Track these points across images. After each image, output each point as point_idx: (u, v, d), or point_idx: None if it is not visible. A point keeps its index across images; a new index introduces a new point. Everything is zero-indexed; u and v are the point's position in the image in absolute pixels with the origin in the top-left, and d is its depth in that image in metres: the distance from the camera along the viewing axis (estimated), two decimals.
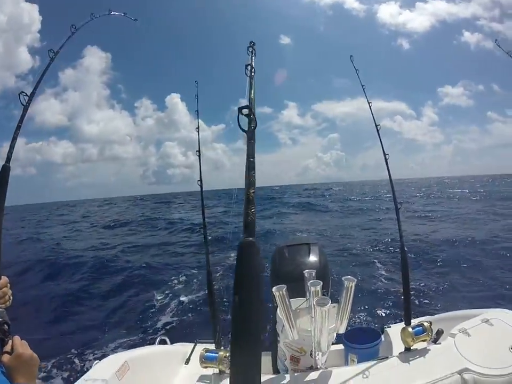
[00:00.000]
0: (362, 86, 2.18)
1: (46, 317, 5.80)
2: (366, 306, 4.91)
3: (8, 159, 1.42)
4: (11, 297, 1.20)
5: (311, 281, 1.40)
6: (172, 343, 2.24)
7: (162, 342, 2.24)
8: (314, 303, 1.25)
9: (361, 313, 4.75)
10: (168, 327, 5.06)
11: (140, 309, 5.89)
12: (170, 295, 6.34)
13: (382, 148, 1.96)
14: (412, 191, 32.06)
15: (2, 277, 1.19)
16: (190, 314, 5.35)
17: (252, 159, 0.93)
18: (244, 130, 0.99)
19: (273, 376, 1.45)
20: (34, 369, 1.04)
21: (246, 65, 1.27)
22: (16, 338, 1.05)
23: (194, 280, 6.99)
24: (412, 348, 1.51)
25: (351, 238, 10.29)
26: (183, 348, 1.87)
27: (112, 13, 2.65)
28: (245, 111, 1.02)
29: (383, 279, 6.12)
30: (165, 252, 10.38)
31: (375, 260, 7.32)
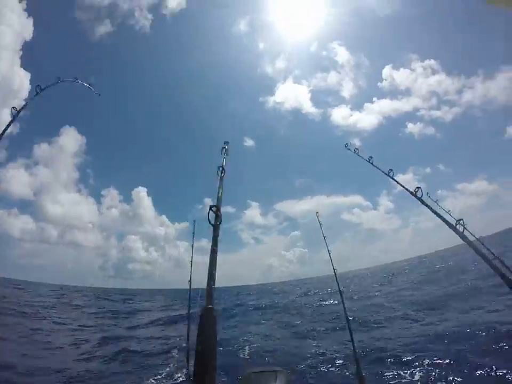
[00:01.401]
0: (324, 237, 2.59)
1: None
2: None
3: None
4: None
5: None
6: None
7: None
8: None
9: None
10: None
11: None
12: None
13: (329, 254, 2.33)
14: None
15: None
16: None
17: (215, 247, 1.16)
18: (212, 225, 1.20)
19: None
20: None
21: (219, 167, 1.48)
22: None
23: None
24: None
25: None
26: None
27: (79, 81, 2.79)
28: (214, 209, 1.24)
29: None
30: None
31: None
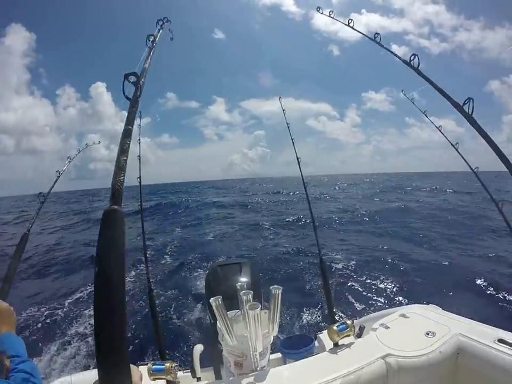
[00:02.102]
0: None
1: None
2: (300, 316, 5.34)
3: (28, 229, 2.10)
4: None
5: (243, 291, 1.51)
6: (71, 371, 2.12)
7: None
8: (247, 308, 1.36)
9: (296, 323, 5.15)
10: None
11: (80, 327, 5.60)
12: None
13: (297, 156, 2.28)
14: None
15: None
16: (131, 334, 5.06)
17: (130, 127, 0.92)
18: (127, 98, 0.98)
19: (217, 381, 1.50)
20: (12, 318, 1.23)
21: (149, 36, 1.27)
22: None
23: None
24: (338, 343, 1.66)
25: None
26: (86, 376, 1.80)
27: None
28: (132, 78, 0.99)
29: (312, 284, 6.62)
30: None
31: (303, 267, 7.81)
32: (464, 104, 0.84)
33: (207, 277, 2.13)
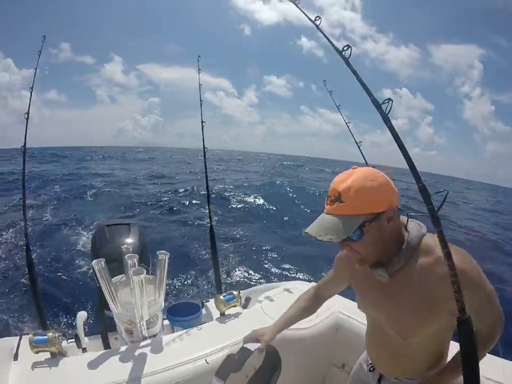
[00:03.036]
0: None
1: None
2: (189, 282, 5.34)
3: None
4: None
5: (128, 255, 1.42)
6: None
7: None
8: (131, 274, 1.26)
9: (184, 290, 5.10)
10: None
11: None
12: None
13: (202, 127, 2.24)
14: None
15: None
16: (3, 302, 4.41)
17: None
18: None
19: (105, 351, 1.41)
20: None
21: None
22: None
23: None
24: (225, 313, 1.70)
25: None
26: (7, 343, 1.54)
27: None
28: None
29: (202, 253, 6.58)
30: None
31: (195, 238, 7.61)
32: (383, 103, 0.86)
33: (93, 236, 1.98)
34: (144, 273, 1.27)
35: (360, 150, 2.11)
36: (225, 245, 7.19)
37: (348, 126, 2.26)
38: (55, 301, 4.44)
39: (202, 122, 2.25)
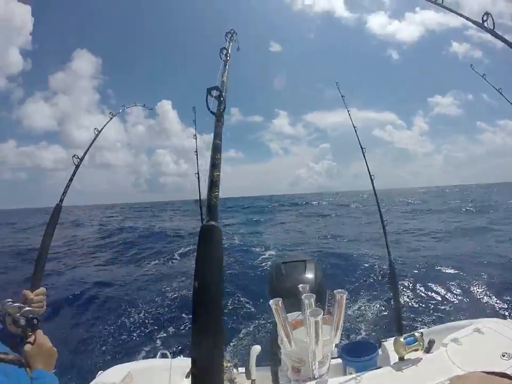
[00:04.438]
0: (348, 111, 2.33)
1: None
2: (365, 321, 4.98)
3: (61, 200, 1.87)
4: (45, 306, 1.41)
5: (305, 294, 1.48)
6: (173, 356, 2.29)
7: (164, 356, 2.28)
8: (308, 314, 1.33)
9: (359, 327, 4.80)
10: (166, 338, 5.06)
11: (141, 319, 5.92)
12: (172, 306, 6.30)
13: (368, 170, 2.15)
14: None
15: (41, 287, 1.47)
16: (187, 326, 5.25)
17: (218, 141, 0.91)
18: (212, 113, 0.97)
19: None
20: (51, 360, 1.18)
21: (221, 49, 1.30)
22: (39, 331, 1.21)
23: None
24: (404, 357, 1.54)
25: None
26: (183, 362, 1.93)
27: (138, 104, 3.14)
28: (215, 93, 0.99)
29: (380, 292, 6.13)
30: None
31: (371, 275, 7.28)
32: None
33: (270, 273, 2.11)
34: (322, 314, 1.30)
35: None
36: (405, 278, 6.56)
37: None
38: (234, 332, 4.93)
39: (370, 176, 2.24)
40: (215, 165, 0.84)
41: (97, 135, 2.26)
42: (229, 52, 1.32)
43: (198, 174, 2.53)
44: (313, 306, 1.43)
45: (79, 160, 2.06)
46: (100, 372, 1.85)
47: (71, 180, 2.01)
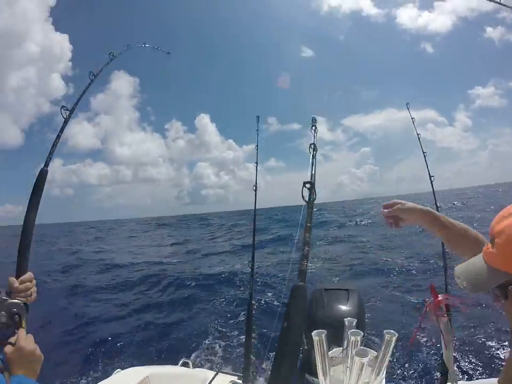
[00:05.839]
0: (418, 134, 2.22)
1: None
2: (409, 364, 4.21)
3: (46, 164, 1.53)
4: (34, 294, 1.18)
5: (352, 330, 1.34)
6: (194, 366, 2.24)
7: (185, 364, 2.23)
8: (354, 353, 1.19)
9: (402, 372, 4.11)
10: (193, 348, 4.95)
11: (171, 326, 5.97)
12: (206, 317, 6.23)
13: (429, 172, 2.10)
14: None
15: (28, 272, 1.22)
16: (219, 342, 5.13)
17: (309, 224, 1.21)
18: (306, 201, 1.26)
19: None
20: (34, 365, 1.00)
21: (310, 144, 1.55)
22: (22, 331, 1.04)
23: (233, 307, 6.67)
24: None
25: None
26: (204, 374, 1.87)
27: (147, 45, 2.90)
28: (308, 185, 1.31)
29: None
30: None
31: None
32: None
33: (310, 300, 2.00)
34: (369, 356, 1.16)
35: None
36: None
37: None
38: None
39: (430, 178, 2.16)
40: (305, 242, 1.17)
41: (93, 80, 2.01)
42: (316, 144, 1.53)
43: (255, 186, 2.58)
44: (359, 345, 1.28)
45: (68, 112, 1.71)
46: (117, 370, 1.83)
47: (58, 137, 1.65)
